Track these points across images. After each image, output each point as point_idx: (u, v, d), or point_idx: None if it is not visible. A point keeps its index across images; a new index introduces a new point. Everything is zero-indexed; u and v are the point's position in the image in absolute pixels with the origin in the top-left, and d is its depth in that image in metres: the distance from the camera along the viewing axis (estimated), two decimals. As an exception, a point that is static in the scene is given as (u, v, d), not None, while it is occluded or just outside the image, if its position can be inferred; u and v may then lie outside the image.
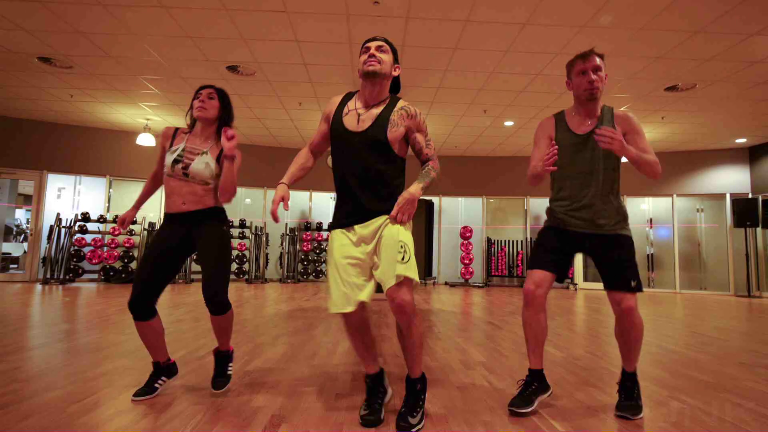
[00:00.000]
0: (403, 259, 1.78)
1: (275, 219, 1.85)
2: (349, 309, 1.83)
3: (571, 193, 2.13)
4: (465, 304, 6.67)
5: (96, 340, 3.37)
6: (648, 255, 10.26)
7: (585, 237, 2.12)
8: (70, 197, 9.45)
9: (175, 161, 2.17)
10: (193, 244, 2.22)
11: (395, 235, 1.83)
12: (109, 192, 9.28)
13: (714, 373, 2.82)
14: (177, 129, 2.30)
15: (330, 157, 2.09)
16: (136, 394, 2.13)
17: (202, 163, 2.18)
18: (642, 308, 6.52)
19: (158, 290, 2.17)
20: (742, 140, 8.96)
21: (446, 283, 10.38)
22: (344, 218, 1.92)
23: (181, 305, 5.48)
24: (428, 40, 5.06)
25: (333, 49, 5.32)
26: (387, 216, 1.88)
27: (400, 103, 1.97)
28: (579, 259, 9.74)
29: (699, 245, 10.01)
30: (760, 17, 4.35)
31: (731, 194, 9.46)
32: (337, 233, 1.93)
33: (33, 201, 8.80)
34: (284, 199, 1.87)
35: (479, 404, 2.17)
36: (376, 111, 1.92)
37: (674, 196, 9.87)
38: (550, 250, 2.14)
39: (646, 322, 5.09)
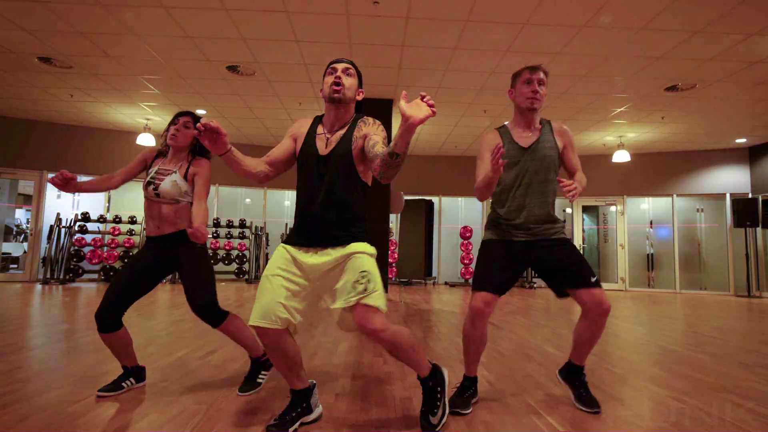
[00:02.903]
0: (365, 290, 1.71)
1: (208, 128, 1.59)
2: (266, 324, 1.70)
3: (516, 204, 2.14)
4: (465, 304, 6.67)
5: (96, 340, 3.37)
6: (648, 255, 10.26)
7: (531, 246, 2.12)
8: (70, 197, 9.45)
9: (148, 183, 2.29)
10: (170, 265, 2.30)
11: (359, 267, 1.75)
12: (109, 192, 9.27)
13: (714, 373, 2.82)
14: (158, 152, 2.39)
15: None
16: (101, 389, 2.16)
17: (170, 183, 2.27)
18: (642, 308, 6.53)
19: (125, 305, 2.21)
20: (742, 140, 8.96)
21: (446, 283, 10.38)
22: (300, 238, 1.85)
23: (181, 305, 5.48)
24: (428, 40, 5.05)
25: (333, 49, 5.32)
26: (352, 249, 1.79)
27: (363, 119, 1.95)
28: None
29: (699, 245, 10.00)
30: (759, 17, 4.35)
31: (731, 194, 9.46)
32: (286, 248, 1.85)
33: (33, 201, 8.80)
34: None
35: (479, 404, 2.17)
36: (341, 133, 1.90)
37: (674, 196, 9.86)
38: (500, 267, 2.12)
39: (647, 322, 5.12)
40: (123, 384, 2.23)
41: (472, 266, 10.32)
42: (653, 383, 2.59)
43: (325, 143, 1.89)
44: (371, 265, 1.78)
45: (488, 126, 8.21)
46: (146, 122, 8.50)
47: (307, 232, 1.84)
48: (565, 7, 4.28)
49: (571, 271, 2.06)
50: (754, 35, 4.68)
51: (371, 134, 1.85)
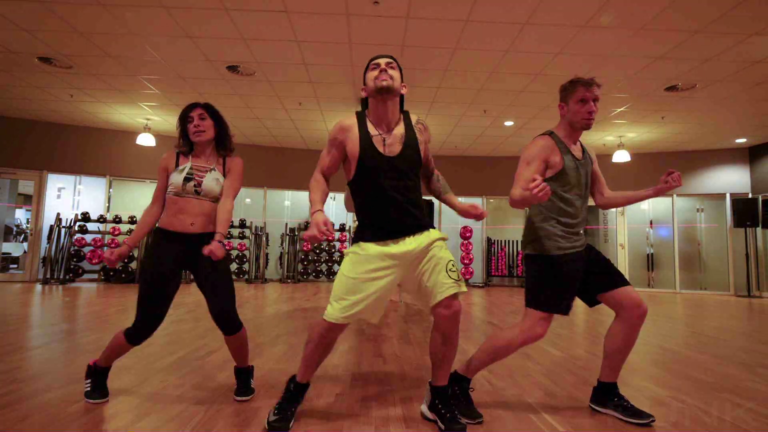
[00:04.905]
0: (458, 278, 1.84)
1: (318, 240, 1.76)
2: (348, 321, 1.83)
3: (574, 216, 2.06)
4: (465, 304, 6.67)
5: (96, 340, 3.37)
6: (648, 255, 10.26)
7: (588, 251, 2.10)
8: (70, 197, 9.45)
9: (186, 179, 2.13)
10: (190, 264, 2.16)
11: (447, 255, 1.87)
12: (109, 192, 9.28)
13: (714, 373, 2.82)
14: (178, 153, 2.24)
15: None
16: (91, 398, 2.07)
17: (213, 180, 2.17)
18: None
19: (163, 318, 2.10)
20: (742, 140, 8.96)
21: (446, 283, 10.36)
22: (384, 233, 1.87)
23: (181, 305, 5.48)
24: (428, 40, 5.05)
25: (333, 49, 5.32)
26: (434, 234, 1.89)
27: (413, 117, 1.99)
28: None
29: (699, 245, 10.00)
30: (760, 17, 4.34)
31: (731, 194, 9.46)
32: (371, 246, 1.86)
33: (33, 201, 8.80)
34: (327, 223, 1.77)
35: (479, 404, 2.17)
36: (399, 131, 1.90)
37: (674, 196, 9.86)
38: (574, 283, 2.02)
39: (647, 321, 5.11)
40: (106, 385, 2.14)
41: (472, 266, 10.32)
42: (653, 383, 2.59)
43: (382, 144, 1.87)
44: (452, 257, 1.91)
45: (488, 126, 8.21)
46: (146, 122, 8.50)
47: (388, 231, 1.87)
48: (565, 7, 4.28)
49: (610, 272, 2.03)
50: (754, 35, 4.68)
51: (426, 146, 2.01)
